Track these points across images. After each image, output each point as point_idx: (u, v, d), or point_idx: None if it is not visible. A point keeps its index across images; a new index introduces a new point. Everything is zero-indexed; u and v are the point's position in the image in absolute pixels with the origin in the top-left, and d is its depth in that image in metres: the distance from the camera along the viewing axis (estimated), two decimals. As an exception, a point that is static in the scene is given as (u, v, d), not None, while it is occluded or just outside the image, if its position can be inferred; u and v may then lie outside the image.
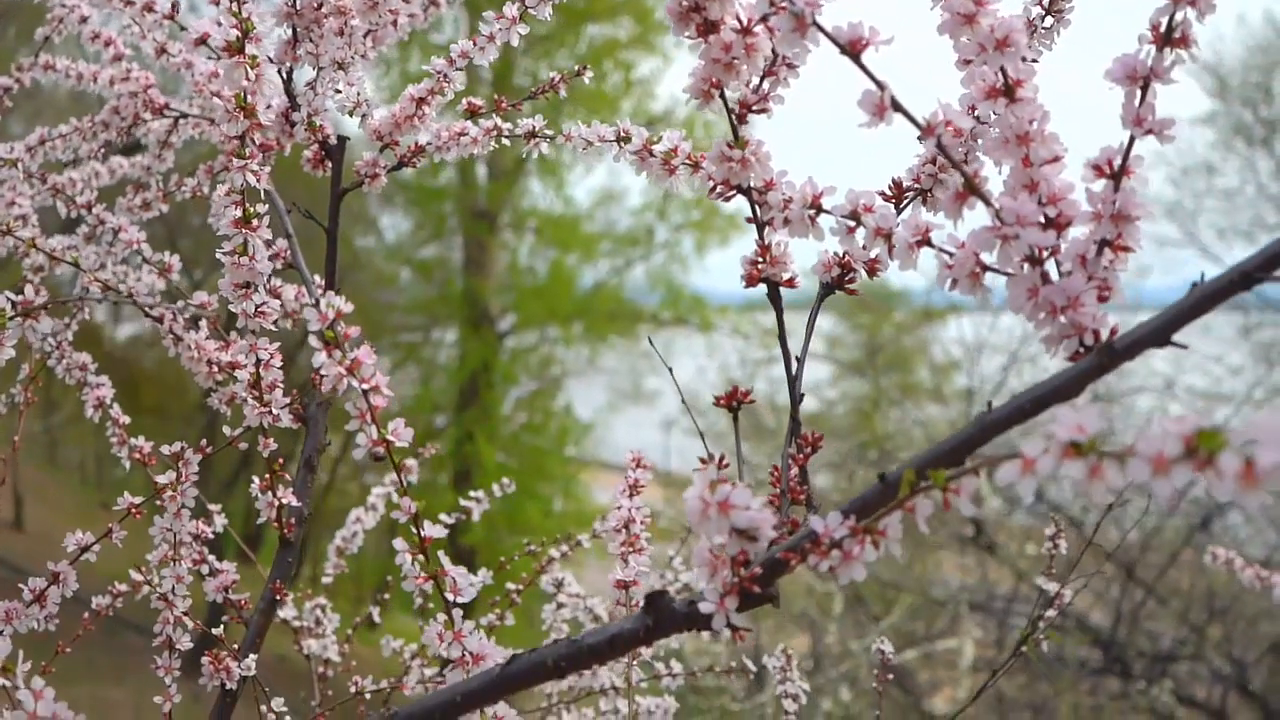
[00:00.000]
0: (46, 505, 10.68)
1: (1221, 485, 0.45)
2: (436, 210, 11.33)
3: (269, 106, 1.18)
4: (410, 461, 1.64)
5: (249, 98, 1.03)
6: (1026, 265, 0.71)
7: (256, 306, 1.04)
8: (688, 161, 1.00)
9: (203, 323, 1.26)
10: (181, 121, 1.56)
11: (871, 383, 9.95)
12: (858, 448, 8.72)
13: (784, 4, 0.71)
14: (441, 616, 0.80)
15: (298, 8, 1.15)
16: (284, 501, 1.12)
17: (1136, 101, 0.69)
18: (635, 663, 1.38)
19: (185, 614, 1.10)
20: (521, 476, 7.61)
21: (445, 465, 10.60)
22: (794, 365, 0.87)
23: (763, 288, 0.91)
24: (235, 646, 1.11)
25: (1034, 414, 0.64)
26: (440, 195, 11.23)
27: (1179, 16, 0.67)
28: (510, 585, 1.74)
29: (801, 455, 0.84)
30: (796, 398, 0.86)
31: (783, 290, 0.90)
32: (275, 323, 1.06)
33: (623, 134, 1.07)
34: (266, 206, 1.05)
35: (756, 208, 0.88)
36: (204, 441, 1.12)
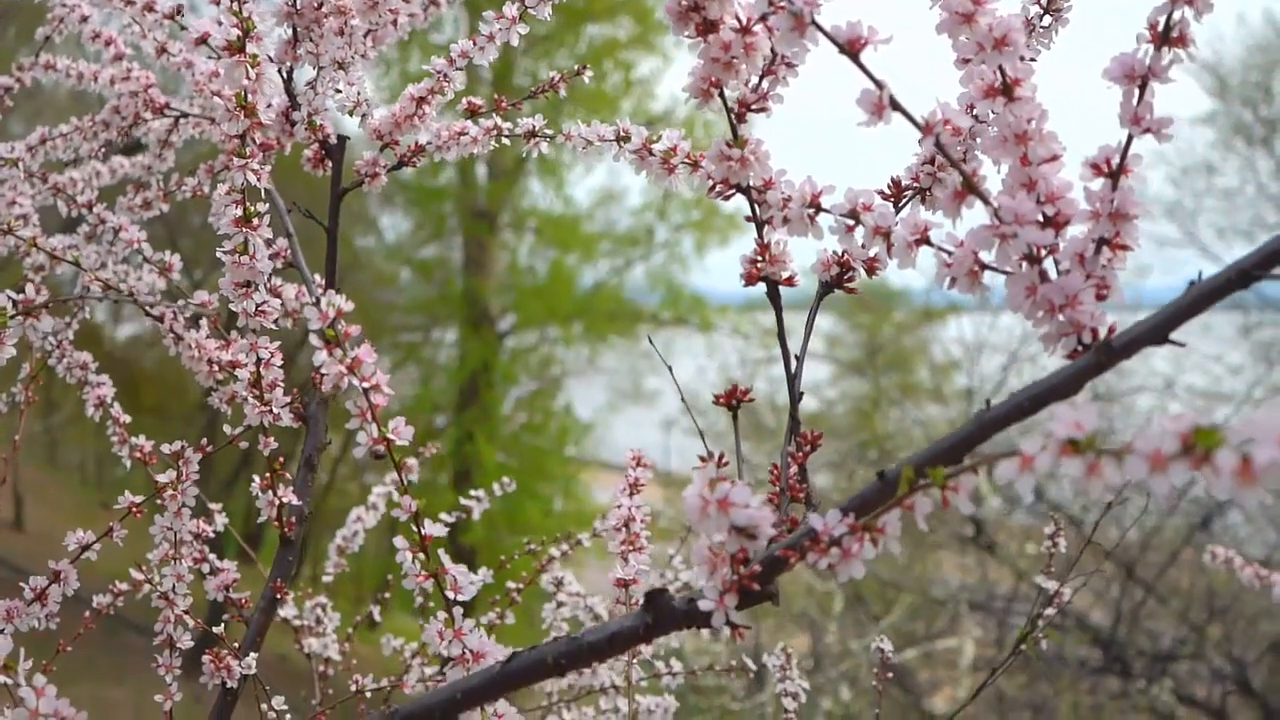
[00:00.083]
0: (46, 505, 10.68)
1: (1219, 482, 0.45)
2: (436, 210, 11.33)
3: (269, 106, 1.18)
4: (411, 461, 1.64)
5: (250, 96, 1.03)
6: (1025, 264, 0.71)
7: (257, 305, 1.04)
8: (687, 160, 1.00)
9: (203, 321, 1.26)
10: (182, 121, 1.57)
11: (871, 382, 9.95)
12: (858, 447, 8.73)
13: (783, 3, 0.71)
14: (442, 614, 0.80)
15: (298, 7, 1.15)
16: (284, 500, 1.12)
17: (1134, 100, 0.69)
18: (635, 661, 1.38)
19: (186, 612, 1.10)
20: (521, 476, 7.60)
21: (445, 465, 10.60)
22: (793, 364, 0.87)
23: (762, 287, 0.91)
24: (236, 645, 1.11)
25: (1032, 412, 0.65)
26: (440, 195, 11.24)
27: (1177, 16, 0.67)
28: (510, 584, 1.74)
29: (801, 453, 0.84)
30: (796, 396, 0.87)
31: (782, 289, 0.91)
32: (275, 322, 1.06)
33: (622, 133, 1.07)
34: (267, 205, 1.05)
35: (756, 206, 0.88)
36: (204, 441, 1.13)
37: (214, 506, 1.29)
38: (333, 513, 8.27)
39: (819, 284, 0.90)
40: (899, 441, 8.62)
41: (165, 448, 1.09)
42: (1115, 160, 0.70)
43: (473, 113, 1.25)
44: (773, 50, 0.83)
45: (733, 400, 0.88)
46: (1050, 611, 1.50)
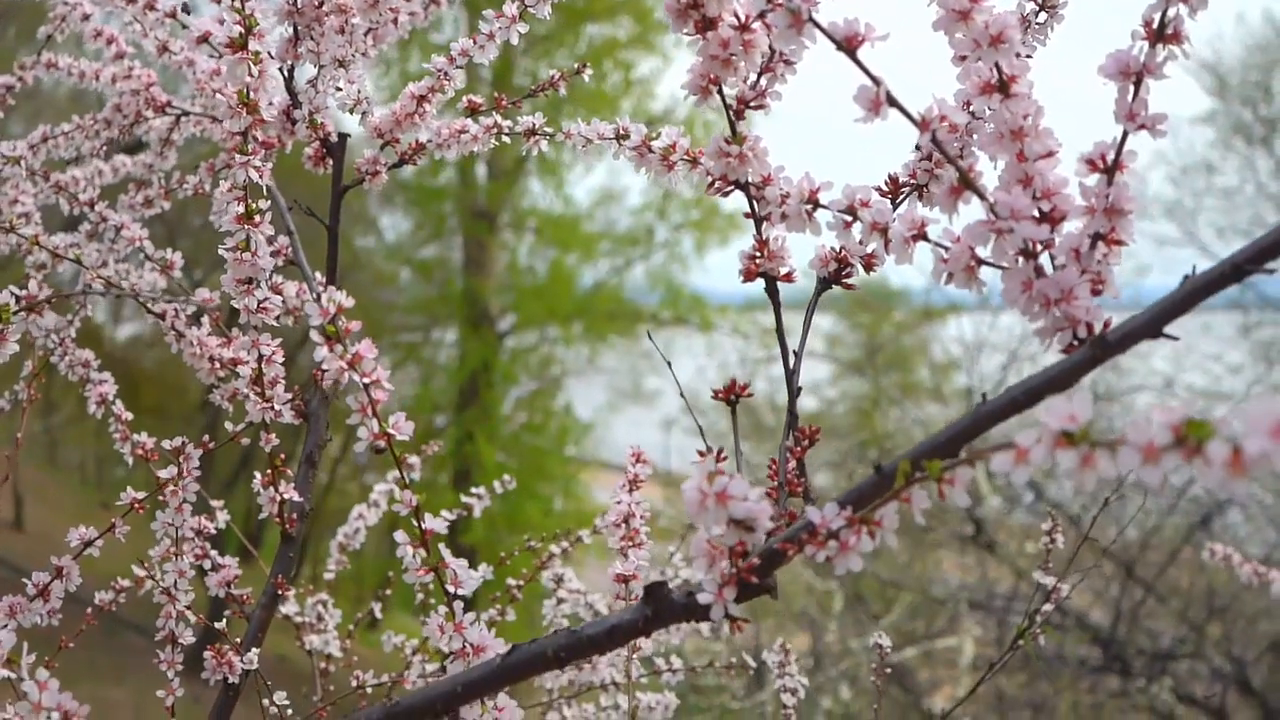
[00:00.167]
0: (46, 505, 10.69)
1: (1210, 473, 0.45)
2: (436, 210, 11.34)
3: (271, 104, 1.19)
4: (413, 458, 1.65)
5: (252, 94, 1.03)
6: (1021, 259, 0.72)
7: (259, 301, 1.04)
8: (686, 157, 1.00)
9: (204, 319, 1.27)
10: (183, 119, 1.57)
11: (871, 382, 9.95)
12: (857, 447, 8.73)
13: (780, 1, 0.72)
14: (442, 609, 0.80)
15: (299, 6, 1.16)
16: (286, 497, 1.13)
17: (1130, 96, 0.69)
18: (635, 657, 1.39)
19: (188, 608, 1.11)
20: (521, 476, 7.60)
21: (445, 465, 10.60)
22: (791, 359, 0.87)
23: (761, 285, 0.91)
24: (238, 641, 1.12)
25: (1028, 405, 0.65)
26: (440, 195, 11.24)
27: (1171, 12, 0.68)
28: (511, 581, 1.74)
29: (799, 448, 0.85)
30: (794, 392, 0.87)
31: (782, 287, 0.91)
32: (277, 319, 1.07)
33: (622, 131, 1.08)
34: (268, 203, 1.05)
35: (754, 203, 0.88)
36: (205, 438, 1.13)
37: (215, 504, 1.30)
38: (332, 513, 8.27)
39: (817, 280, 0.90)
40: (899, 441, 8.62)
41: (166, 443, 1.09)
42: (1110, 156, 0.70)
43: (473, 111, 1.26)
44: (771, 47, 0.84)
45: (731, 395, 0.88)
46: (1048, 608, 1.51)
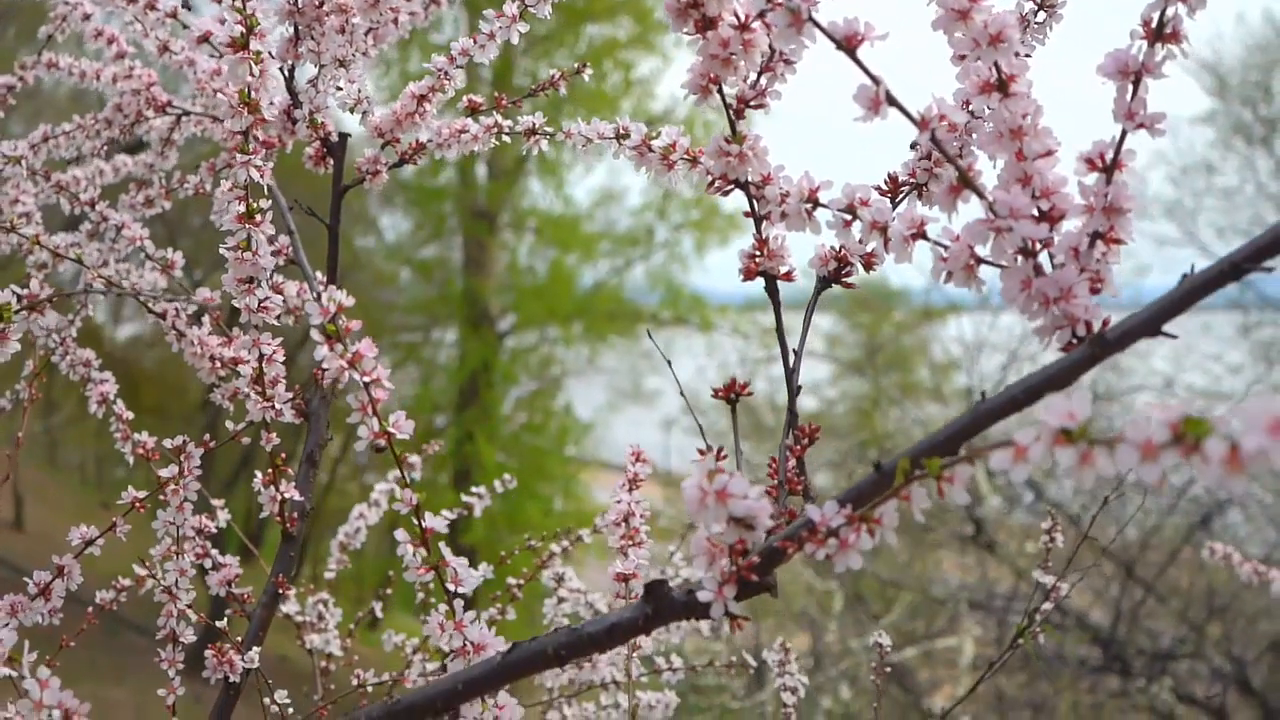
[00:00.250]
0: (46, 505, 10.69)
1: (1208, 470, 0.46)
2: (436, 210, 11.34)
3: (271, 104, 1.19)
4: (414, 457, 1.65)
5: (253, 93, 1.04)
6: (1020, 257, 0.72)
7: (259, 301, 1.05)
8: (686, 157, 1.00)
9: (205, 318, 1.27)
10: (184, 119, 1.57)
11: (871, 382, 9.95)
12: (857, 447, 8.73)
13: (780, 0, 0.72)
14: (443, 607, 0.80)
15: (299, 6, 1.16)
16: (287, 495, 1.13)
17: (1128, 96, 0.70)
18: (635, 656, 1.39)
19: (189, 607, 1.11)
20: (522, 476, 7.60)
21: (445, 465, 10.60)
22: (791, 359, 0.88)
23: (761, 285, 0.92)
24: (239, 640, 1.12)
25: (1027, 403, 0.65)
26: (440, 195, 11.24)
27: (1170, 12, 0.68)
28: (511, 580, 1.74)
29: (799, 447, 0.85)
30: (794, 391, 0.87)
31: (783, 287, 0.91)
32: (277, 318, 1.07)
33: (621, 131, 1.08)
34: (269, 202, 1.06)
35: (754, 202, 0.89)
36: (206, 437, 1.13)
37: (216, 503, 1.30)
38: (333, 513, 8.26)
39: (817, 279, 0.91)
40: (899, 441, 8.62)
41: (167, 443, 1.09)
42: (1109, 155, 0.70)
43: (473, 110, 1.26)
44: (771, 47, 0.84)
45: (731, 394, 0.88)
46: (1048, 607, 1.51)
